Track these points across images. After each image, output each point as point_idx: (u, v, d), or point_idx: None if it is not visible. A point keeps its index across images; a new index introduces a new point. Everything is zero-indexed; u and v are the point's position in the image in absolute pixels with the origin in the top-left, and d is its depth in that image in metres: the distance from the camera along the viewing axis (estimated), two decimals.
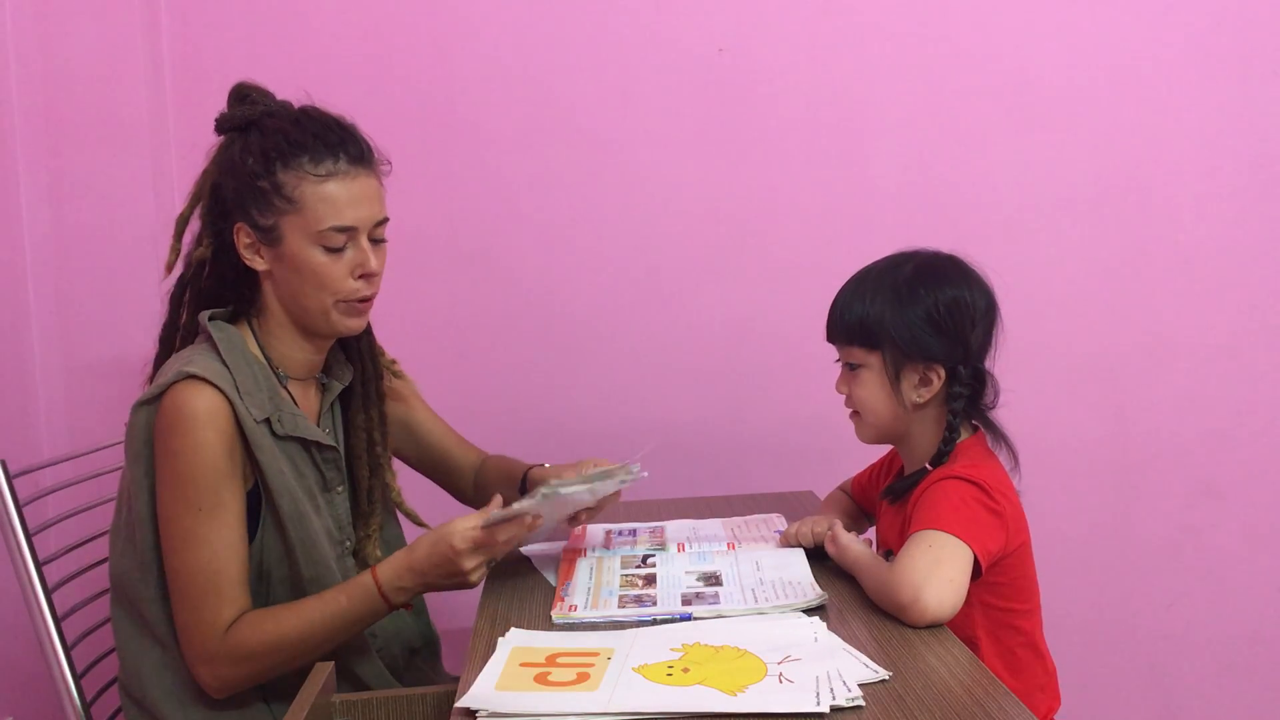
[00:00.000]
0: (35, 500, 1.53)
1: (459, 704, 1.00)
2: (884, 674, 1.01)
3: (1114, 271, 2.10)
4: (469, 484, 1.66)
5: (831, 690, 0.97)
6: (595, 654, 1.09)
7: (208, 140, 2.01)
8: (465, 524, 1.29)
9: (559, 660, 1.09)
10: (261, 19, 2.03)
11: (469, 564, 1.29)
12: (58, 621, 1.44)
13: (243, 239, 1.37)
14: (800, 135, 2.08)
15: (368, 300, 1.40)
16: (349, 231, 1.35)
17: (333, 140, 1.36)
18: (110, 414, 1.94)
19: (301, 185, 1.34)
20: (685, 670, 1.04)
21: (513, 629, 1.18)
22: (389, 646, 1.50)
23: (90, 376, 2.01)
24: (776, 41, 2.07)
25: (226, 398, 1.29)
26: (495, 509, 1.30)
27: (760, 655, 1.07)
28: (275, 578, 1.36)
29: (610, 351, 2.10)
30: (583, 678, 1.04)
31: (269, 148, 1.35)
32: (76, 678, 1.44)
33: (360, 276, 1.37)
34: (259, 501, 1.35)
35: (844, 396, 1.39)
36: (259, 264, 1.37)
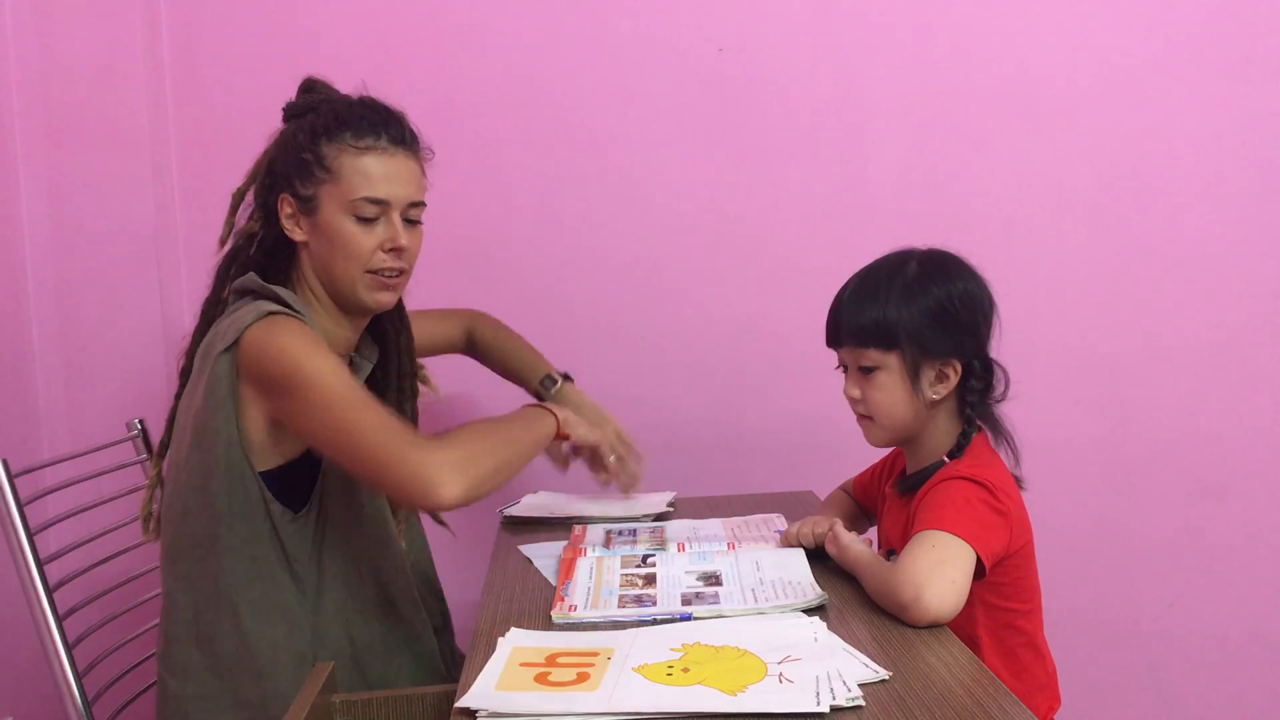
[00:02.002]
0: (35, 500, 1.53)
1: (459, 704, 1.00)
2: (884, 674, 1.01)
3: (1114, 271, 2.10)
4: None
5: (832, 690, 0.97)
6: (595, 654, 1.09)
7: (208, 140, 2.02)
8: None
9: (559, 660, 1.08)
10: (261, 19, 2.03)
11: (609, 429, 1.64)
12: (59, 621, 1.44)
13: (285, 209, 1.42)
14: (800, 135, 2.08)
15: (397, 277, 1.45)
16: (381, 205, 1.41)
17: (377, 120, 1.42)
18: (110, 414, 1.94)
19: (341, 156, 1.40)
20: (685, 670, 1.04)
21: (513, 629, 1.18)
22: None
23: (90, 376, 2.01)
24: (776, 41, 2.07)
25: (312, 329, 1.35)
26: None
27: (760, 655, 1.06)
28: (329, 558, 1.40)
29: (610, 351, 2.10)
30: (583, 678, 1.04)
31: (318, 125, 1.42)
32: (77, 678, 1.44)
33: (389, 250, 1.42)
34: (313, 472, 1.39)
35: (847, 399, 1.38)
36: (298, 234, 1.42)
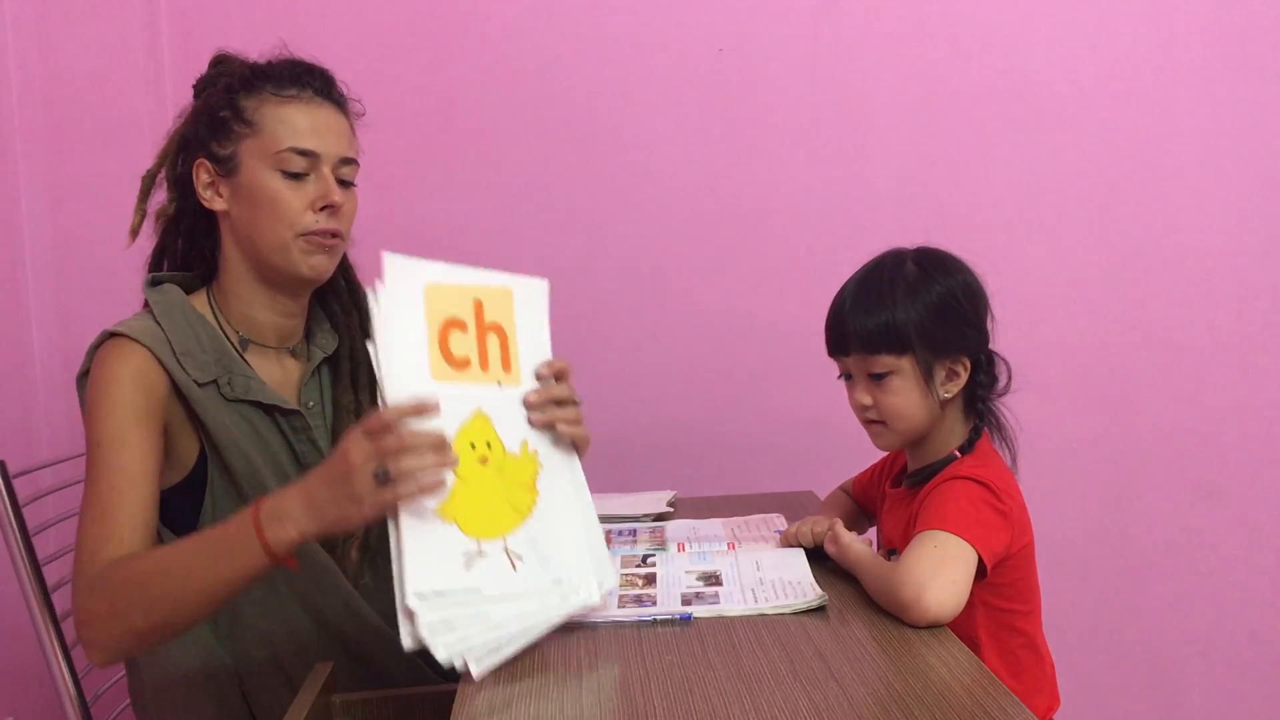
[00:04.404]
0: (35, 500, 1.53)
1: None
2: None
3: (1114, 271, 2.10)
4: None
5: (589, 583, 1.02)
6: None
7: None
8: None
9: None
10: (261, 19, 2.03)
11: (356, 452, 1.00)
12: (57, 621, 1.44)
13: (202, 177, 1.30)
14: (800, 135, 2.09)
15: (332, 239, 1.30)
16: (310, 157, 1.28)
17: (299, 70, 1.31)
18: None
19: (262, 108, 1.28)
20: (483, 461, 1.02)
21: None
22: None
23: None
24: (776, 41, 2.07)
25: (153, 354, 1.23)
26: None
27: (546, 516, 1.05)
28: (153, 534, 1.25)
29: (610, 351, 2.10)
30: (461, 363, 1.04)
31: (234, 82, 1.30)
32: (76, 678, 1.44)
33: (322, 209, 1.28)
34: (207, 467, 1.28)
35: (855, 407, 1.36)
36: (217, 203, 1.30)
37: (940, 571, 1.14)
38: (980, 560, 1.18)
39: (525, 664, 1.10)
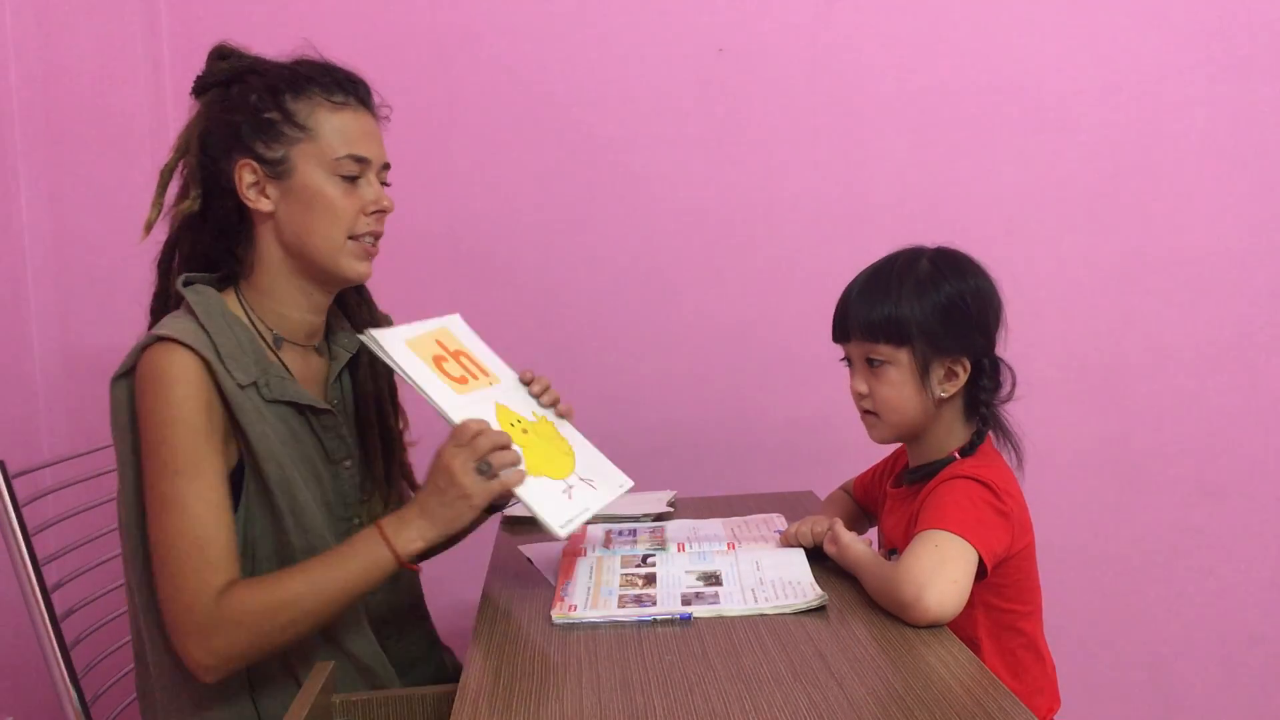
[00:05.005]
0: (35, 500, 1.53)
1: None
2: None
3: (1115, 272, 2.10)
4: None
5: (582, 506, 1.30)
6: (485, 372, 1.39)
7: None
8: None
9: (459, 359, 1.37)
10: (261, 19, 2.03)
11: (455, 462, 1.22)
12: (57, 622, 1.44)
13: (245, 177, 1.30)
14: (800, 135, 2.09)
15: (376, 243, 1.37)
16: (363, 163, 1.33)
17: (342, 77, 1.34)
18: (109, 414, 1.94)
19: (316, 112, 1.31)
20: (525, 432, 1.33)
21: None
22: (378, 609, 1.43)
23: (90, 377, 2.01)
24: (776, 41, 2.07)
25: (203, 359, 1.23)
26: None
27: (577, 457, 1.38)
28: (261, 552, 1.29)
29: (610, 351, 2.10)
30: (461, 380, 1.33)
31: (274, 83, 1.31)
32: (76, 678, 1.44)
33: (372, 213, 1.34)
34: (244, 475, 1.29)
35: (853, 394, 1.37)
36: (263, 204, 1.31)
37: (940, 571, 1.14)
38: (980, 560, 1.18)
39: (525, 664, 1.10)
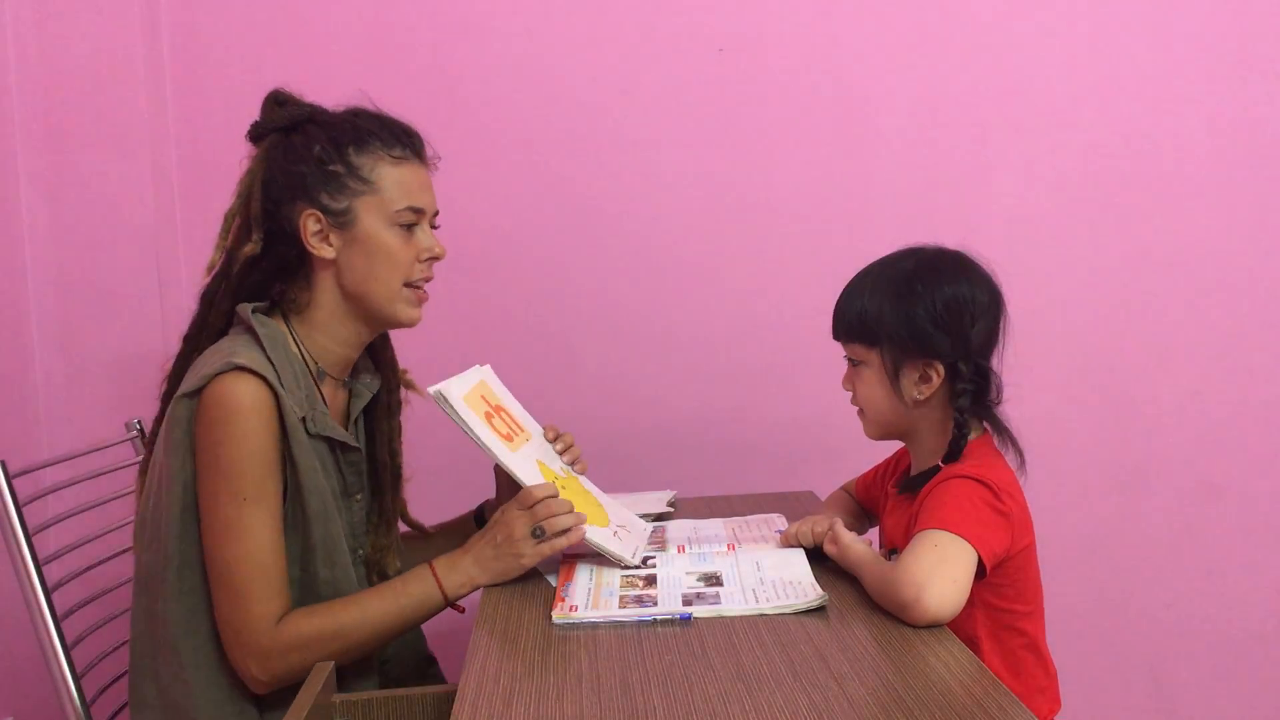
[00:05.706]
0: (35, 500, 1.53)
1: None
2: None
3: (1115, 271, 2.10)
4: None
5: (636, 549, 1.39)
6: (521, 430, 1.46)
7: (208, 140, 2.01)
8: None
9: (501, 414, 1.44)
10: (261, 19, 2.03)
11: (517, 526, 1.33)
12: (57, 621, 1.44)
13: (310, 225, 1.37)
14: (800, 135, 2.08)
15: (426, 289, 1.45)
16: (420, 214, 1.41)
17: (399, 130, 1.42)
18: (110, 414, 1.94)
19: (379, 166, 1.38)
20: (563, 488, 1.39)
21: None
22: (392, 664, 1.49)
23: (90, 376, 2.01)
24: (776, 41, 2.07)
25: (273, 391, 1.29)
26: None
27: (608, 512, 1.45)
28: (289, 580, 1.34)
29: (611, 351, 2.10)
30: (507, 437, 1.41)
31: (337, 135, 1.38)
32: (76, 678, 1.44)
33: (425, 260, 1.42)
34: (287, 505, 1.34)
35: (849, 394, 1.39)
36: (326, 251, 1.37)
37: (940, 571, 1.14)
38: (980, 560, 1.18)
39: (525, 664, 1.10)
